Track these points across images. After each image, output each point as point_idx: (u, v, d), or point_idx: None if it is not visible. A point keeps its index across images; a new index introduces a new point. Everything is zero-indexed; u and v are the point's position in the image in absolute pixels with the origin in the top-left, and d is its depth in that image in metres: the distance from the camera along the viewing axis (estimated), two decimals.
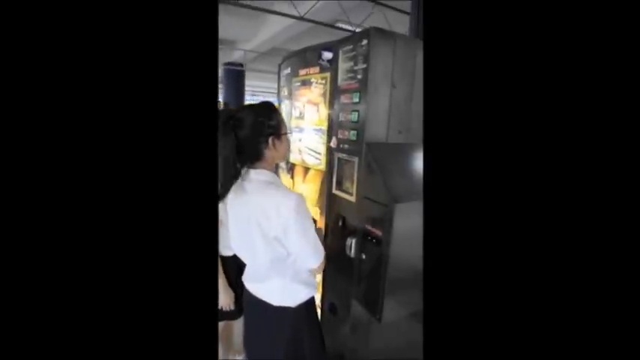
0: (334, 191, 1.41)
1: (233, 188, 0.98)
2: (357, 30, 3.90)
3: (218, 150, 0.96)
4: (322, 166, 1.48)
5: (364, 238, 1.24)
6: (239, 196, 0.97)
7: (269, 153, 1.00)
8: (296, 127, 1.67)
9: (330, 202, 1.44)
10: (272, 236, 0.95)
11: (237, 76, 7.54)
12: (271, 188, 0.97)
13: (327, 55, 1.40)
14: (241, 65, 7.32)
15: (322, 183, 1.51)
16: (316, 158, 1.52)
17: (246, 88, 8.14)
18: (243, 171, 0.98)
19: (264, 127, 0.97)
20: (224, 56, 7.06)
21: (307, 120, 1.57)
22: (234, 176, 0.96)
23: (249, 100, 8.87)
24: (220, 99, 8.01)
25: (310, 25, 3.80)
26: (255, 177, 0.98)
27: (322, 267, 1.07)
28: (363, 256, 1.24)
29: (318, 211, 1.53)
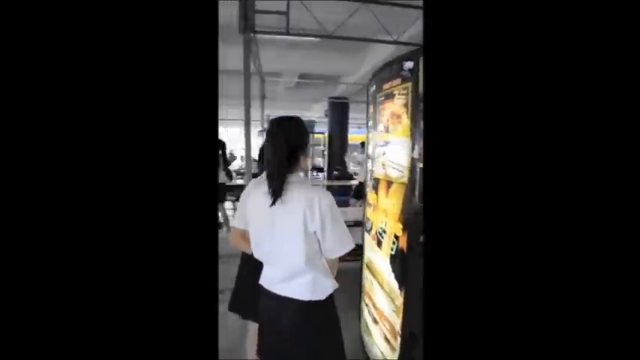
0: (416, 203, 1.32)
1: (261, 192, 1.08)
2: None
3: (268, 155, 1.08)
4: (405, 179, 1.41)
5: None
6: (283, 197, 1.05)
7: (302, 159, 1.12)
8: (381, 141, 1.65)
9: (410, 216, 1.35)
10: (311, 231, 1.04)
11: (341, 109, 7.95)
12: (309, 187, 1.08)
13: (409, 64, 1.36)
14: (345, 98, 7.71)
15: (405, 196, 1.42)
16: (399, 171, 1.46)
17: (351, 121, 8.47)
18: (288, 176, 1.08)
19: (302, 135, 1.11)
20: (330, 91, 7.56)
21: (391, 133, 1.53)
22: (284, 181, 1.05)
23: (353, 132, 9.18)
24: (325, 132, 8.51)
25: (410, 48, 3.80)
26: (294, 179, 1.08)
27: (337, 262, 1.15)
28: None
29: (401, 226, 1.44)
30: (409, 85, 1.36)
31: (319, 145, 8.71)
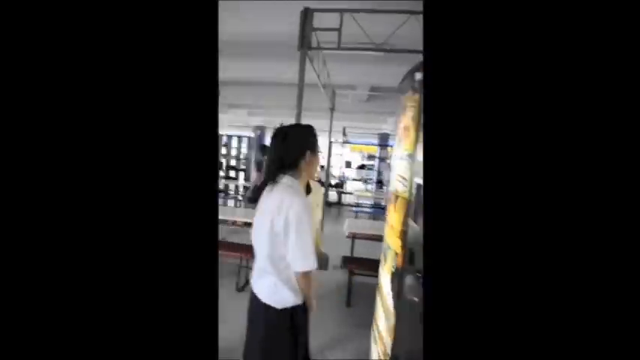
0: (410, 221, 1.25)
1: (266, 189, 1.11)
2: None
3: (266, 156, 1.13)
4: (407, 194, 1.35)
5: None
6: (267, 195, 1.11)
7: (304, 165, 1.13)
8: (395, 155, 1.60)
9: (407, 232, 1.28)
10: (276, 230, 1.06)
11: None
12: (290, 190, 1.08)
13: (418, 75, 1.32)
14: None
15: (406, 212, 1.36)
16: (404, 185, 1.40)
17: None
18: (278, 177, 1.11)
19: (303, 142, 1.13)
20: None
21: (403, 146, 1.49)
22: (270, 181, 1.10)
23: None
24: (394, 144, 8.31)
25: None
26: (284, 181, 1.10)
27: (308, 282, 1.08)
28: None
29: (400, 243, 1.38)
30: (417, 97, 1.31)
31: (387, 158, 8.57)
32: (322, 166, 7.88)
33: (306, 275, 1.07)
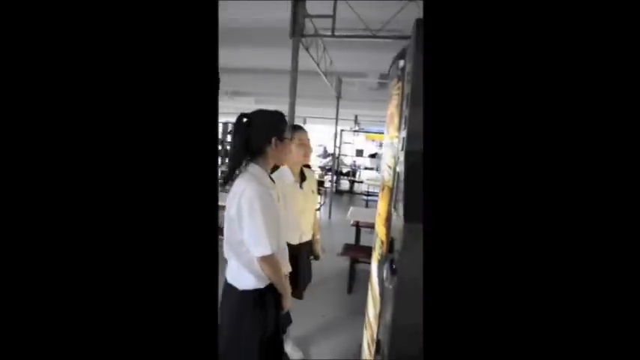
0: (392, 210, 1.26)
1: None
2: None
3: (230, 144, 1.16)
4: (391, 182, 1.36)
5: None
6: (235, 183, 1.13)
7: (271, 152, 1.13)
8: (384, 143, 1.60)
9: (389, 222, 1.29)
10: (231, 215, 1.07)
11: None
12: (248, 177, 1.10)
13: (402, 63, 1.30)
14: None
15: (390, 199, 1.37)
16: (389, 174, 1.41)
17: None
18: (247, 164, 1.13)
19: (268, 128, 1.12)
20: None
21: (389, 134, 1.48)
22: (236, 167, 1.12)
23: None
24: None
25: None
26: (248, 169, 1.12)
27: (270, 267, 1.09)
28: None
29: (385, 231, 1.39)
30: (400, 84, 1.30)
31: None
32: (332, 154, 7.87)
33: (265, 260, 1.08)
